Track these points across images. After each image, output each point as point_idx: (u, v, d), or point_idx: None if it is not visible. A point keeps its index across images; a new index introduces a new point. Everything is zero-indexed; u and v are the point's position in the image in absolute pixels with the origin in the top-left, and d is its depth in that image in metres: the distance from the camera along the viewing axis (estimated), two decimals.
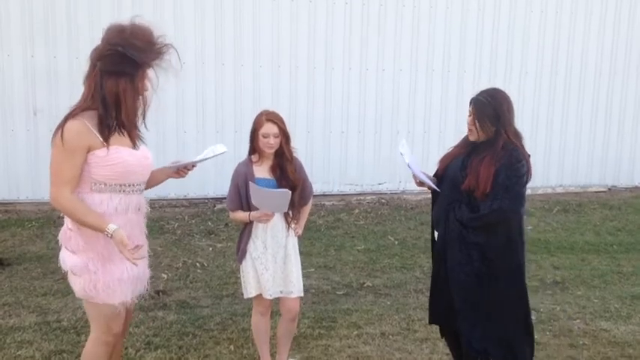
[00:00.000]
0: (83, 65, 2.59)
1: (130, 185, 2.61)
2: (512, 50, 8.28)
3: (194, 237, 6.28)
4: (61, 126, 2.47)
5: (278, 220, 3.40)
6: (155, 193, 7.09)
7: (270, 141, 3.32)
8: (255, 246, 3.41)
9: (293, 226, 3.45)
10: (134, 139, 2.61)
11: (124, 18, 2.55)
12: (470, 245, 3.09)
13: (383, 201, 7.79)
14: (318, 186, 7.13)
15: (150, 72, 2.58)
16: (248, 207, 3.37)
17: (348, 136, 7.87)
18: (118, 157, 2.53)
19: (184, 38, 7.10)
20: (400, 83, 7.93)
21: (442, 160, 3.31)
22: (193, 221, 6.77)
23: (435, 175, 3.36)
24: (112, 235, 2.48)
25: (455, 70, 8.02)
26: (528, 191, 9.21)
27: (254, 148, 3.41)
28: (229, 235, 6.24)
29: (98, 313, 2.66)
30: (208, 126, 7.38)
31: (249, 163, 3.42)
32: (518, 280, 3.16)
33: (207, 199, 7.38)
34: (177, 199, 7.35)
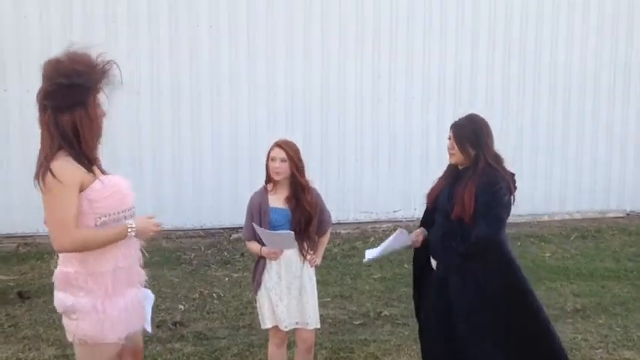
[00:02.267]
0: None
1: (125, 210, 2.54)
2: (525, 73, 8.29)
3: (210, 267, 6.29)
4: (46, 170, 2.35)
5: (292, 251, 3.40)
6: (172, 223, 7.24)
7: (275, 164, 3.36)
8: (270, 277, 3.41)
9: (309, 257, 3.44)
10: (100, 168, 2.54)
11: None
12: (467, 273, 3.10)
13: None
14: (333, 214, 7.08)
15: (101, 96, 2.47)
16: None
17: (362, 164, 7.90)
18: (113, 184, 2.49)
19: (199, 71, 7.24)
20: (412, 111, 7.98)
21: (430, 194, 3.37)
22: (209, 251, 6.79)
23: (427, 210, 3.42)
24: (135, 230, 2.49)
25: (466, 98, 8.04)
26: (545, 217, 9.03)
27: (269, 177, 3.45)
28: (245, 265, 6.25)
29: (91, 358, 2.55)
30: (224, 157, 7.46)
31: (264, 192, 3.45)
32: (517, 304, 3.12)
33: (222, 229, 7.41)
34: (194, 230, 7.39)
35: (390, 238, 3.42)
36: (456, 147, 3.20)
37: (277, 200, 3.41)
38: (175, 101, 7.24)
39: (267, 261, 3.41)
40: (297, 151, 3.42)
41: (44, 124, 2.42)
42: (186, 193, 7.27)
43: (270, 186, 3.45)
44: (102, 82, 2.44)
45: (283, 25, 7.50)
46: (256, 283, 3.46)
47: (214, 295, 5.48)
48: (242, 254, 6.58)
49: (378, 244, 7.14)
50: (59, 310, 2.55)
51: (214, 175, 7.43)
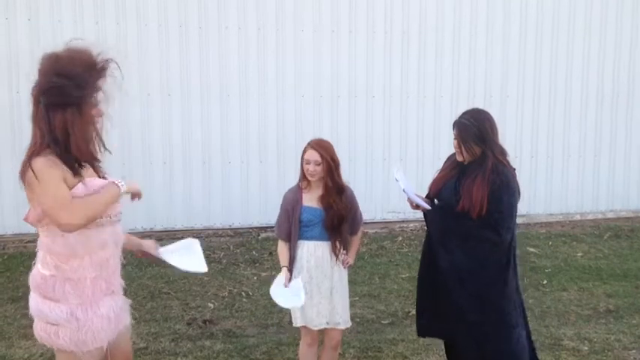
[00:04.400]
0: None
1: (108, 216, 2.43)
2: (556, 73, 8.17)
3: (239, 266, 6.35)
4: (26, 167, 2.28)
5: (325, 251, 3.42)
6: (201, 223, 7.33)
7: (310, 168, 3.36)
8: (301, 276, 3.43)
9: (342, 257, 3.45)
10: (97, 170, 2.45)
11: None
12: (463, 271, 3.19)
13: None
14: None
15: (100, 95, 2.38)
16: (297, 234, 3.41)
17: (390, 164, 7.88)
18: (98, 188, 2.37)
19: (228, 70, 7.31)
20: (441, 109, 7.93)
21: (434, 183, 3.39)
22: (238, 250, 6.86)
23: (427, 197, 3.46)
24: (125, 185, 2.41)
25: (497, 95, 7.95)
26: (577, 216, 8.86)
27: (304, 177, 3.46)
28: (274, 264, 6.29)
29: None
30: (252, 156, 7.52)
31: (298, 190, 3.47)
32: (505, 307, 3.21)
33: (251, 228, 7.47)
34: (223, 229, 7.46)
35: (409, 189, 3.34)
36: (462, 146, 3.19)
37: (311, 199, 3.43)
38: (205, 101, 7.32)
39: (298, 259, 3.43)
40: (330, 151, 3.41)
41: (35, 119, 2.34)
42: (216, 193, 7.35)
43: (304, 184, 3.46)
44: (100, 81, 2.34)
45: (311, 23, 7.53)
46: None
47: (243, 293, 5.53)
48: (270, 253, 6.62)
49: (407, 243, 7.03)
50: (35, 314, 2.44)
51: (243, 175, 7.49)
